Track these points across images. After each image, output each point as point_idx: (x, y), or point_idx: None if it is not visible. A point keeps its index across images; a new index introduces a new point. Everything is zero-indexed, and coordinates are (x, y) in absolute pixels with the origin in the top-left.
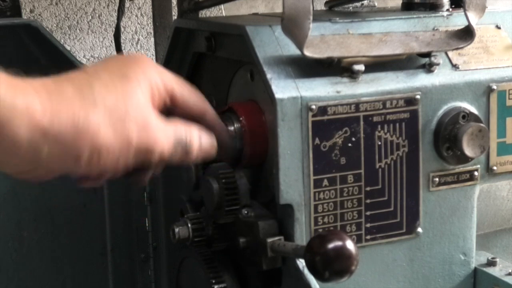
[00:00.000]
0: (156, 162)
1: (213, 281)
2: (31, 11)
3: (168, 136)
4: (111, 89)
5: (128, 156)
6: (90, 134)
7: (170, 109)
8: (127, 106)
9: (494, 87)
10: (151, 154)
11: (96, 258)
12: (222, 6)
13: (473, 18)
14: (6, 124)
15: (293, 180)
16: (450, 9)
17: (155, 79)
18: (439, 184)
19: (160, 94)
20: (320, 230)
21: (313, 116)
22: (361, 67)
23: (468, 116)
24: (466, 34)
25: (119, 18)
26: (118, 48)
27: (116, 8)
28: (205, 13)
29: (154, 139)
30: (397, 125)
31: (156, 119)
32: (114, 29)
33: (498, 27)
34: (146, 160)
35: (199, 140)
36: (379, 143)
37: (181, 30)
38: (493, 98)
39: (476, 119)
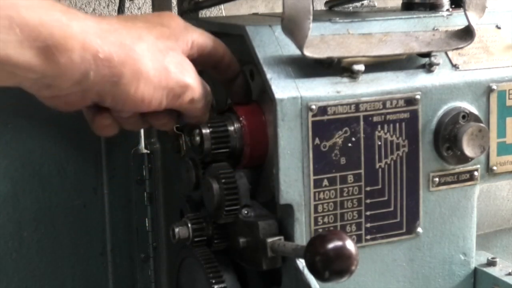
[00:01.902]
0: (186, 104)
1: (213, 281)
2: None
3: (200, 83)
4: (152, 30)
5: (163, 90)
6: (134, 59)
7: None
8: (166, 46)
9: (494, 87)
10: (184, 93)
11: (96, 258)
12: (222, 6)
13: (473, 18)
14: (62, 45)
15: (293, 180)
16: (450, 9)
17: (186, 33)
18: (439, 184)
19: (190, 46)
20: (320, 230)
21: (313, 116)
22: (361, 67)
23: (468, 116)
24: (466, 34)
25: None
26: None
27: (116, 8)
28: (205, 13)
29: (189, 79)
30: (397, 125)
31: (192, 66)
32: None
33: (498, 27)
34: (178, 100)
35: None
36: (379, 143)
37: None
38: (493, 98)
39: (476, 119)
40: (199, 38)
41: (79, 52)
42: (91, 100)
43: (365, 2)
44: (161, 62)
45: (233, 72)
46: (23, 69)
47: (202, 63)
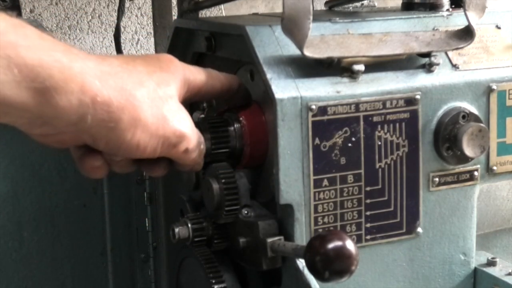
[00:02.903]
0: (181, 154)
1: (213, 281)
2: (31, 11)
3: (195, 132)
4: (152, 74)
5: (159, 138)
6: (134, 106)
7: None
8: (165, 93)
9: (494, 87)
10: (180, 143)
11: (96, 258)
12: (222, 6)
13: (473, 18)
14: (61, 87)
15: (293, 180)
16: (450, 9)
17: (183, 76)
18: (439, 184)
19: (186, 89)
20: (320, 230)
21: (313, 116)
22: (361, 67)
23: (468, 116)
24: (466, 34)
25: (119, 18)
26: (118, 48)
27: (116, 8)
28: (205, 13)
29: (185, 128)
30: (397, 125)
31: (188, 114)
32: (114, 29)
33: (498, 27)
34: (173, 149)
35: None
36: (379, 143)
37: (181, 30)
38: (493, 98)
39: (476, 119)
40: (196, 78)
41: (77, 94)
42: (83, 142)
43: (365, 2)
44: (160, 110)
45: (232, 93)
46: (18, 109)
47: (200, 99)
